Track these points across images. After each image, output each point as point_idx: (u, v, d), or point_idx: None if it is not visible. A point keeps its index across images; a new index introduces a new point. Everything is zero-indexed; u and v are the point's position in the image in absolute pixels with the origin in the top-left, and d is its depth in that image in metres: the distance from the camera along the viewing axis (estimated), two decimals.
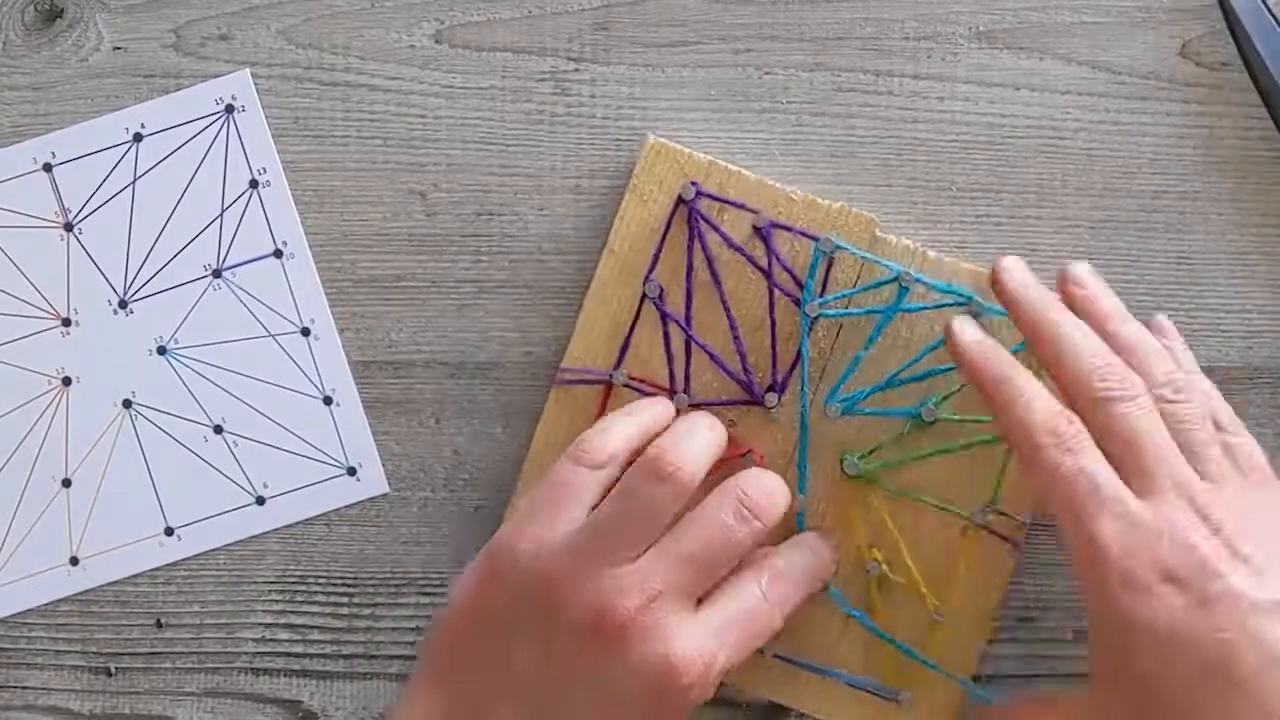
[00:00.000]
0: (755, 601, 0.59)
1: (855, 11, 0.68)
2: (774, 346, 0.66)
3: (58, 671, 0.68)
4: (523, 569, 0.59)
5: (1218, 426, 0.60)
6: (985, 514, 0.65)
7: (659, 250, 0.66)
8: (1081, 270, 0.63)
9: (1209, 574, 0.55)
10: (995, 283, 0.61)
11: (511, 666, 0.58)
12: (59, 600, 0.68)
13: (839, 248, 0.65)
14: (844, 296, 0.65)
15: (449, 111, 0.68)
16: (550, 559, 0.58)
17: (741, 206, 0.65)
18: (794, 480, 0.64)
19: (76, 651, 0.68)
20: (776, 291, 0.65)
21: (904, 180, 0.67)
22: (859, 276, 0.65)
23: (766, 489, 0.60)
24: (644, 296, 0.66)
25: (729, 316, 0.66)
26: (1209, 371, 0.66)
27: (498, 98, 0.68)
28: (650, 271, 0.66)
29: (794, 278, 0.65)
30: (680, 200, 0.66)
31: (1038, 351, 0.60)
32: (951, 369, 0.64)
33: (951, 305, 0.64)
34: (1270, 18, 0.65)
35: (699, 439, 0.61)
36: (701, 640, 0.57)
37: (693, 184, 0.65)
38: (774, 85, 0.68)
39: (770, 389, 0.66)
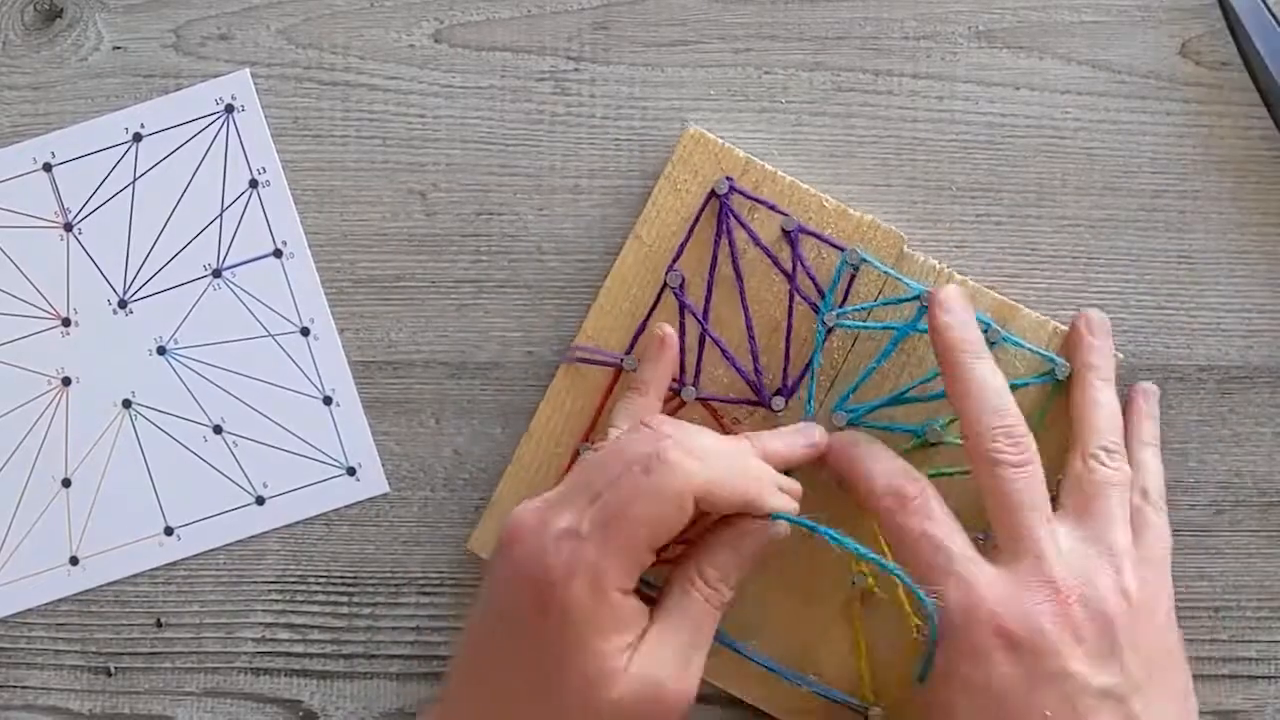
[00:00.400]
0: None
1: (855, 11, 0.68)
2: (787, 350, 0.66)
3: (58, 671, 0.68)
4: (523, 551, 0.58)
5: (1144, 497, 0.61)
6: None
7: (686, 240, 0.66)
8: (1100, 320, 0.64)
9: (1048, 652, 0.56)
10: (929, 313, 0.61)
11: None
12: (59, 600, 0.68)
13: (865, 260, 0.65)
14: (863, 309, 0.65)
15: (448, 111, 0.68)
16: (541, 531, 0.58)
17: (773, 208, 0.65)
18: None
19: (76, 651, 0.68)
20: (797, 296, 0.65)
21: (904, 180, 0.67)
22: (880, 291, 0.65)
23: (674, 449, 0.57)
24: (665, 285, 0.66)
25: (746, 315, 0.65)
26: (1209, 370, 0.67)
27: (497, 97, 0.68)
28: (674, 261, 0.66)
29: (816, 284, 0.65)
30: (713, 194, 0.66)
31: (950, 395, 0.61)
32: None
33: None
34: (1270, 18, 0.65)
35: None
36: (562, 541, 0.56)
37: (727, 179, 0.65)
38: (774, 85, 0.68)
39: (778, 392, 0.66)
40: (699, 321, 0.66)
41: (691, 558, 0.59)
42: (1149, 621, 0.58)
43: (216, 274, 0.68)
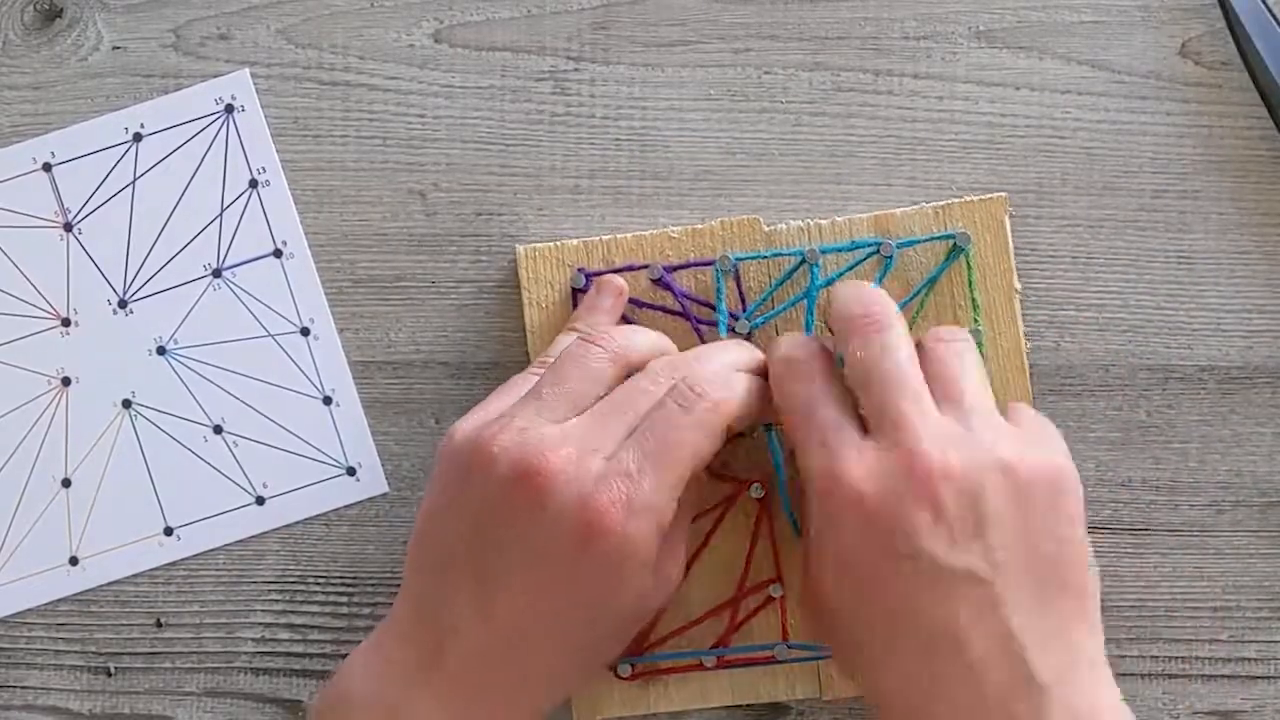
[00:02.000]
0: (666, 421, 0.57)
1: (855, 11, 0.68)
2: None
3: (58, 671, 0.68)
4: (464, 446, 0.58)
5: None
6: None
7: None
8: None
9: (901, 528, 0.54)
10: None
11: (460, 538, 0.58)
12: (59, 600, 0.68)
13: (737, 260, 0.65)
14: (766, 300, 0.65)
15: (448, 111, 0.68)
16: (485, 428, 0.58)
17: (631, 268, 0.66)
18: (779, 497, 0.65)
19: (76, 651, 0.68)
20: (704, 327, 0.66)
21: (904, 180, 0.67)
22: (770, 276, 0.66)
23: (700, 371, 0.59)
24: None
25: None
26: (1209, 370, 0.67)
27: (497, 97, 0.68)
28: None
29: (712, 307, 0.66)
30: (575, 290, 0.66)
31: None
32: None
33: (866, 258, 0.65)
34: (1270, 18, 0.65)
35: (645, 333, 0.62)
36: (613, 479, 0.56)
37: (580, 270, 0.66)
38: (773, 85, 0.68)
39: None
40: None
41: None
42: (1028, 502, 0.55)
43: (216, 274, 0.68)
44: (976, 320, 0.65)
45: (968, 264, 0.65)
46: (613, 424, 0.58)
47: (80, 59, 0.68)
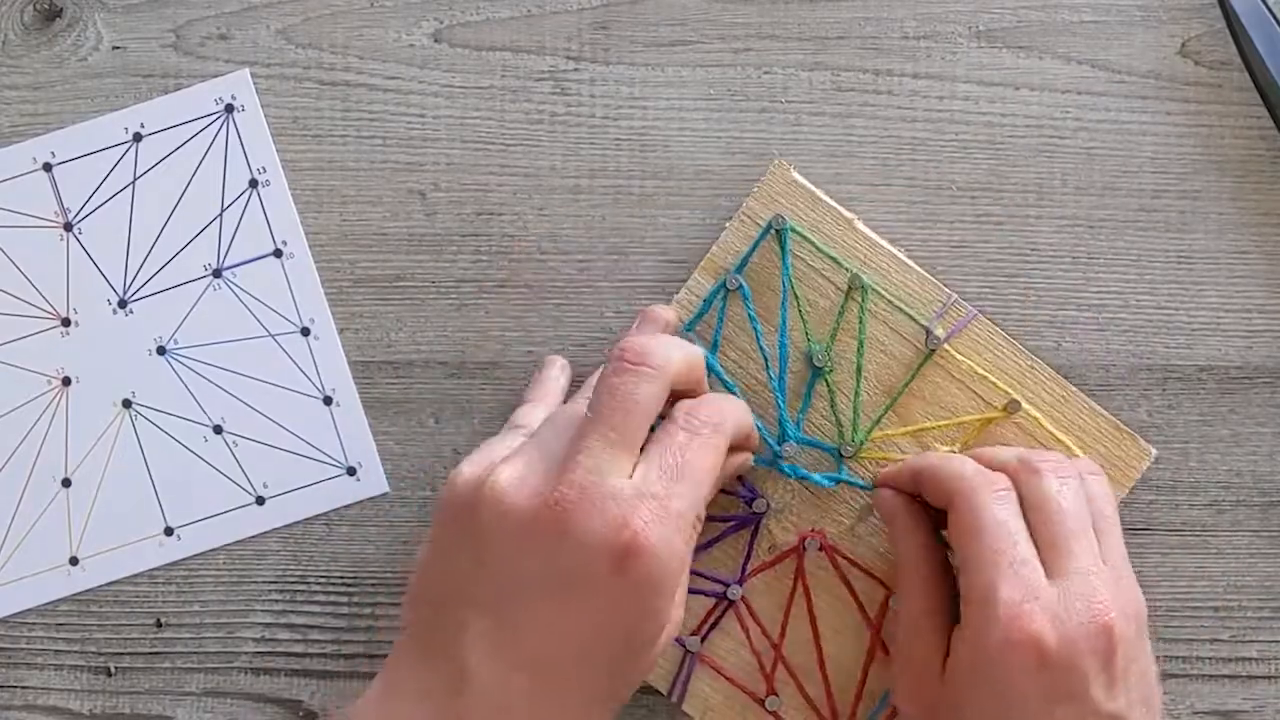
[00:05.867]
0: (680, 439, 0.57)
1: (855, 11, 0.68)
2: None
3: (58, 671, 0.68)
4: (466, 488, 0.57)
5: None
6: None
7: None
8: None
9: (1076, 674, 0.57)
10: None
11: (463, 575, 0.57)
12: (59, 600, 0.68)
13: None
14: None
15: (448, 111, 0.68)
16: (487, 469, 0.57)
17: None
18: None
19: (76, 651, 0.68)
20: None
21: (903, 180, 0.67)
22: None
23: (644, 343, 0.59)
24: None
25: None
26: (1209, 370, 0.67)
27: (497, 97, 0.68)
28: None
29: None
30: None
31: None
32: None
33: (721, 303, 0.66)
34: (1270, 18, 0.65)
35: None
36: (636, 497, 0.55)
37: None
38: (773, 85, 0.68)
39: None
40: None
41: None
42: (1143, 644, 0.59)
43: (216, 274, 0.68)
44: (843, 266, 0.65)
45: (802, 236, 0.65)
46: (610, 438, 0.56)
47: (80, 59, 0.68)
